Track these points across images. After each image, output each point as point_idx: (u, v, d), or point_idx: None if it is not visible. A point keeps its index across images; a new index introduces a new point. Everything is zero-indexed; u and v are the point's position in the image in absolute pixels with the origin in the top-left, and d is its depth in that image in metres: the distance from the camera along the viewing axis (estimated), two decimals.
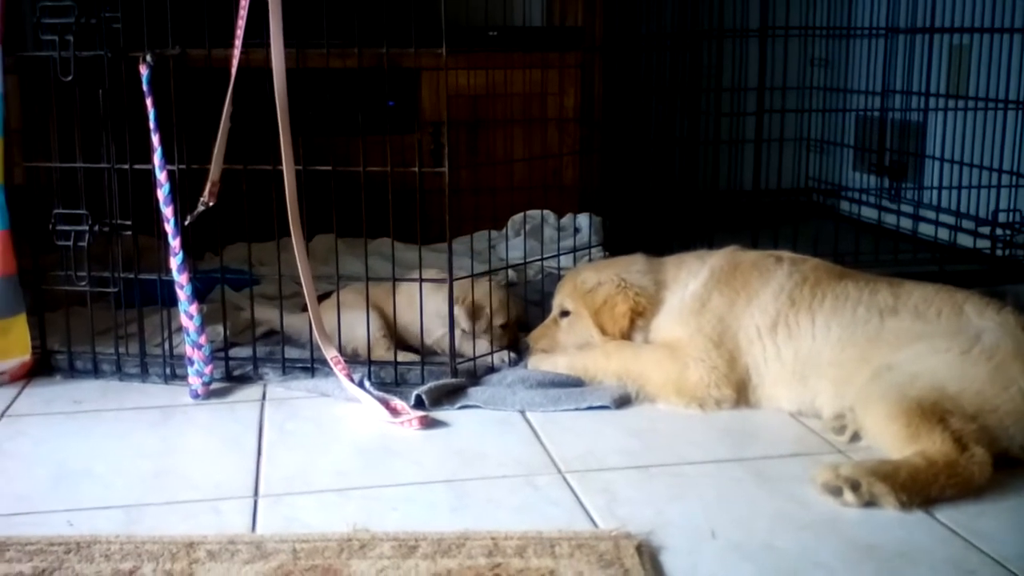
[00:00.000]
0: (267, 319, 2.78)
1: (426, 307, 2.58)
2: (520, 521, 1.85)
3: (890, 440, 2.02)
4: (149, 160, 2.46)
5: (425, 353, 2.63)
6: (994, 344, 2.12)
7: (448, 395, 2.45)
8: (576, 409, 2.41)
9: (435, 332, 2.66)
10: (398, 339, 2.67)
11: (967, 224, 3.81)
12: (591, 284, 2.62)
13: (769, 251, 2.58)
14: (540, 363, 2.61)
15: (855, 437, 2.20)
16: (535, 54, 3.20)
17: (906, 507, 1.87)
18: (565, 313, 2.68)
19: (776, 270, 2.46)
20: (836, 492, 1.91)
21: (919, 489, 1.89)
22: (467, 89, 3.51)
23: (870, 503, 1.89)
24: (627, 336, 2.56)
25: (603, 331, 2.58)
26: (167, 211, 2.44)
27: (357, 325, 2.61)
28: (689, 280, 2.54)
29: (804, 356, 2.34)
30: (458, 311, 2.59)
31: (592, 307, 2.60)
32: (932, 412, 1.99)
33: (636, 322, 2.56)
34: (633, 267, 2.63)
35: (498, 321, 2.69)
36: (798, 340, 2.36)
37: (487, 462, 2.13)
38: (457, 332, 2.58)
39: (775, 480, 2.03)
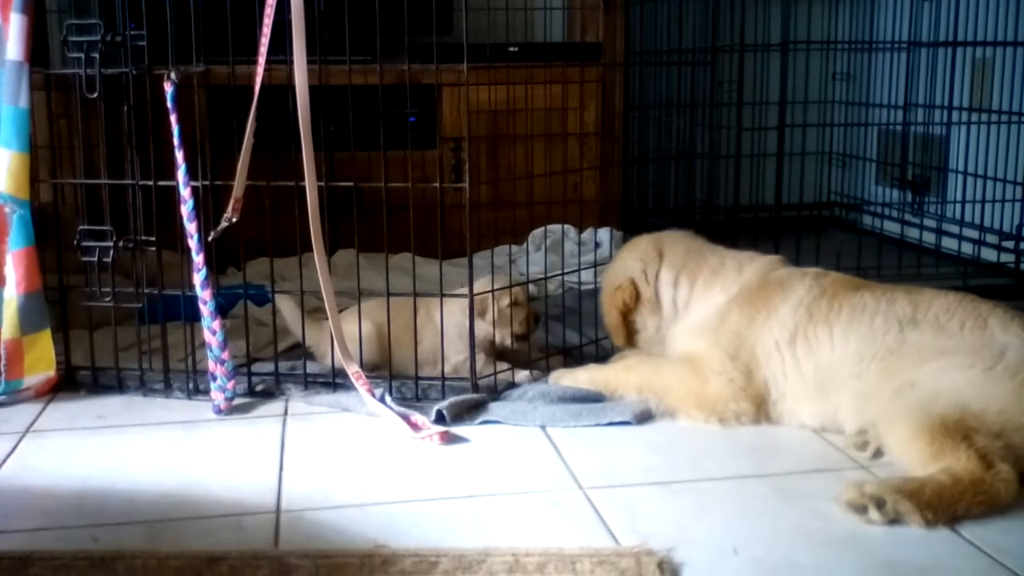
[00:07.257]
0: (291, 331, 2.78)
1: (447, 327, 2.60)
2: (541, 537, 1.84)
3: (914, 458, 2.01)
4: (173, 176, 2.48)
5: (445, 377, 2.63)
6: (1019, 361, 2.09)
7: (469, 410, 2.45)
8: (597, 424, 2.40)
9: (455, 356, 2.64)
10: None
11: (991, 238, 3.79)
12: (615, 284, 2.69)
13: (803, 268, 2.54)
14: (561, 378, 2.61)
15: (877, 453, 2.18)
16: (555, 69, 3.21)
17: (931, 525, 1.86)
18: None
19: (798, 285, 2.44)
20: (861, 510, 1.89)
21: (945, 507, 1.87)
22: (487, 104, 3.51)
23: (895, 521, 1.87)
24: (629, 326, 2.65)
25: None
26: (191, 227, 2.45)
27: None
28: (718, 296, 2.53)
29: (824, 369, 2.32)
30: (483, 315, 2.60)
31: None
32: (956, 429, 1.98)
33: (630, 317, 2.65)
34: (650, 268, 2.66)
35: (520, 329, 2.68)
36: (817, 353, 2.34)
37: (508, 478, 2.13)
38: (479, 357, 2.59)
39: (798, 496, 2.02)
